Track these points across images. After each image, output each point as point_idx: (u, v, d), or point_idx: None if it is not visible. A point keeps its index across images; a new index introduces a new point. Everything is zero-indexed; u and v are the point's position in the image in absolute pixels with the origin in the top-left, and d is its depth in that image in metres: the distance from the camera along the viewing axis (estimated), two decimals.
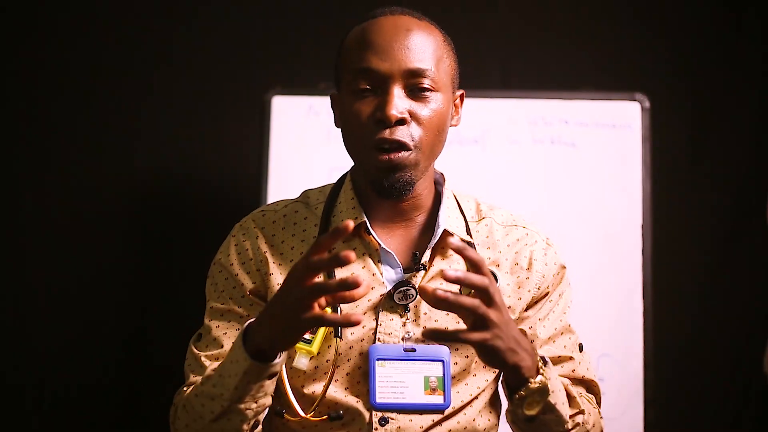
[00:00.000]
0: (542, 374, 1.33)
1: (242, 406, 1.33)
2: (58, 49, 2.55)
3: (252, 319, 1.33)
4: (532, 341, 1.51)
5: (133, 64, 2.57)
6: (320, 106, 2.40)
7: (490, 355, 1.27)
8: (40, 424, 2.48)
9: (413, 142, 1.42)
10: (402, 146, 1.42)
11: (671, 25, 2.65)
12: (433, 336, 1.24)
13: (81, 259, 2.52)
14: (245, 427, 1.36)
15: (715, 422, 2.56)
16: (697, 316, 2.58)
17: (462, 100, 1.56)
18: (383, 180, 1.43)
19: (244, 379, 1.30)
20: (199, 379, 1.44)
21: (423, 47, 1.44)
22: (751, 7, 2.63)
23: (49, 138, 2.54)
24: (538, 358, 1.35)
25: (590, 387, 1.56)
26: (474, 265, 1.23)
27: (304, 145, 2.40)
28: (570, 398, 1.46)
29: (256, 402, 1.34)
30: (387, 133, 1.41)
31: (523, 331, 1.51)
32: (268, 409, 1.42)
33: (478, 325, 1.23)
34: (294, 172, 2.38)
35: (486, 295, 1.23)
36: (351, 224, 1.20)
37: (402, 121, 1.42)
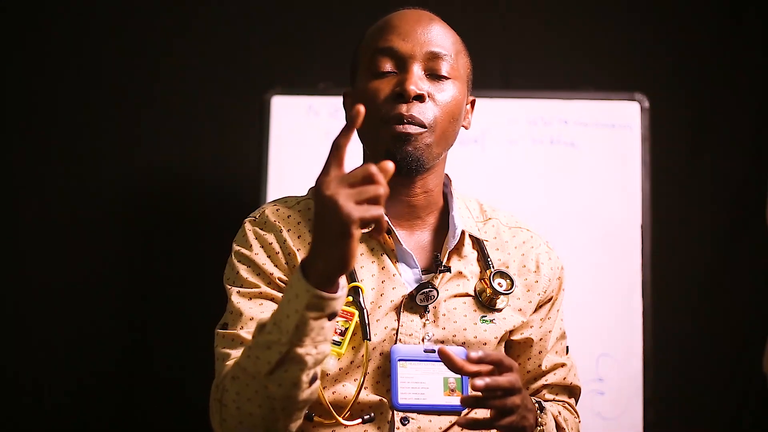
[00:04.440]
0: (540, 424, 1.40)
1: (302, 351, 1.24)
2: (58, 50, 2.55)
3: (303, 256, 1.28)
4: (540, 352, 1.55)
5: (133, 64, 2.57)
6: (320, 106, 2.40)
7: (510, 429, 1.32)
8: (39, 425, 2.48)
9: (428, 120, 1.43)
10: (417, 122, 1.43)
11: (671, 25, 2.65)
12: (471, 426, 1.30)
13: (80, 258, 2.52)
14: (304, 377, 1.26)
15: (715, 422, 2.56)
16: (697, 316, 2.58)
17: (473, 107, 1.58)
18: (395, 152, 1.43)
19: (306, 314, 1.22)
20: (240, 352, 1.35)
21: (444, 36, 1.48)
22: (751, 7, 2.63)
23: (49, 138, 2.54)
24: (536, 405, 1.41)
25: (572, 391, 1.60)
26: (497, 364, 1.28)
27: (303, 145, 2.40)
28: (559, 430, 1.49)
29: (315, 347, 1.25)
30: (404, 108, 1.42)
31: (529, 341, 1.54)
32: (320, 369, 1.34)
33: (507, 411, 1.29)
34: (293, 171, 2.38)
35: (512, 388, 1.28)
36: (391, 165, 1.19)
37: (420, 98, 1.43)
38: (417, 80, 1.43)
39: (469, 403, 1.31)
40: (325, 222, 1.19)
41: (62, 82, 2.55)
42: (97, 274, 2.52)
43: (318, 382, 1.31)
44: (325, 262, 1.21)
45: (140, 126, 2.57)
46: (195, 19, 2.60)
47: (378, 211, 1.17)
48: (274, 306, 1.42)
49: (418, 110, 1.43)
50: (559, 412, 1.52)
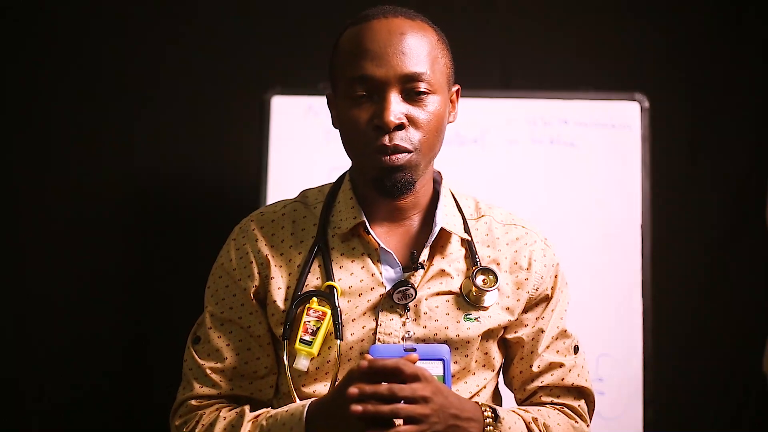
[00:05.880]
0: None
1: None
2: (59, 50, 2.55)
3: (313, 401, 1.39)
4: (531, 352, 1.53)
5: (133, 64, 2.57)
6: (320, 106, 2.40)
7: None
8: (39, 425, 2.48)
9: (412, 145, 1.43)
10: (402, 149, 1.43)
11: (671, 25, 2.65)
12: None
13: (80, 259, 2.52)
14: None
15: (715, 422, 2.56)
16: (697, 316, 2.58)
17: (458, 95, 1.55)
18: (385, 180, 1.44)
19: None
20: (205, 390, 1.46)
21: (418, 50, 1.44)
22: (751, 7, 2.63)
23: (48, 138, 2.54)
24: (488, 413, 1.40)
25: (580, 393, 1.56)
26: (392, 374, 1.30)
27: (303, 145, 2.40)
28: None
29: None
30: (386, 139, 1.42)
31: (520, 341, 1.53)
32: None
33: (410, 420, 1.30)
34: (294, 172, 2.38)
35: (414, 398, 1.30)
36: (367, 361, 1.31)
37: (400, 126, 1.42)
38: (395, 109, 1.42)
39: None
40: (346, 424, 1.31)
41: (62, 82, 2.55)
42: (97, 274, 2.52)
43: None
44: None
45: (140, 126, 2.57)
46: (195, 18, 2.60)
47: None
48: (240, 337, 1.48)
49: (400, 138, 1.42)
50: (534, 419, 1.47)
